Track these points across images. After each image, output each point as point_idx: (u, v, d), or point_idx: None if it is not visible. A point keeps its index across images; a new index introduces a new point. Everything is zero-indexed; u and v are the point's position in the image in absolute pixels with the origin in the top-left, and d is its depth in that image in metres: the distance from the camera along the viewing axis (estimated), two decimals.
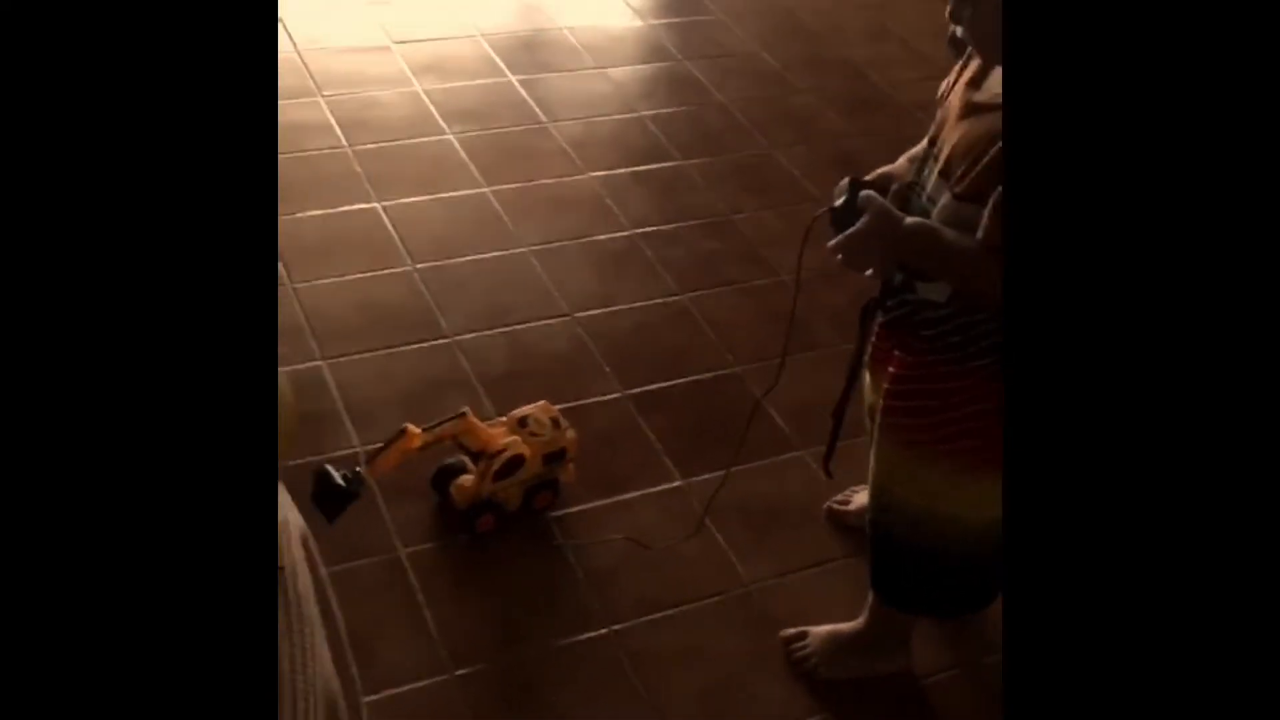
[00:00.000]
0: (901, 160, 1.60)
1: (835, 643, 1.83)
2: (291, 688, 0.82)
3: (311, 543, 1.05)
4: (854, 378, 1.66)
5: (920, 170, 1.50)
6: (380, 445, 1.88)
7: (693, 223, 2.80)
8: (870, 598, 1.79)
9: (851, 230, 1.43)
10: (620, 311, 2.51)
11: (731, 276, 2.63)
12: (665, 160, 3.02)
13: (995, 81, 1.40)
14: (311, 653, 0.83)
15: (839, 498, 2.08)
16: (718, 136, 3.14)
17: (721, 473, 2.01)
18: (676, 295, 2.57)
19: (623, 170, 2.97)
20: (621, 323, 2.48)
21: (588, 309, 2.50)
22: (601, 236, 2.72)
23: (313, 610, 0.85)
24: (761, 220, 2.82)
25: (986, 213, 1.35)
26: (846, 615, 1.85)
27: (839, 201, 1.47)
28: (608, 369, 2.35)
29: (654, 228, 2.76)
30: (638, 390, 2.31)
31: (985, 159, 1.35)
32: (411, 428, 1.87)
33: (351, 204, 2.73)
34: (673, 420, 2.26)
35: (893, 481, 1.65)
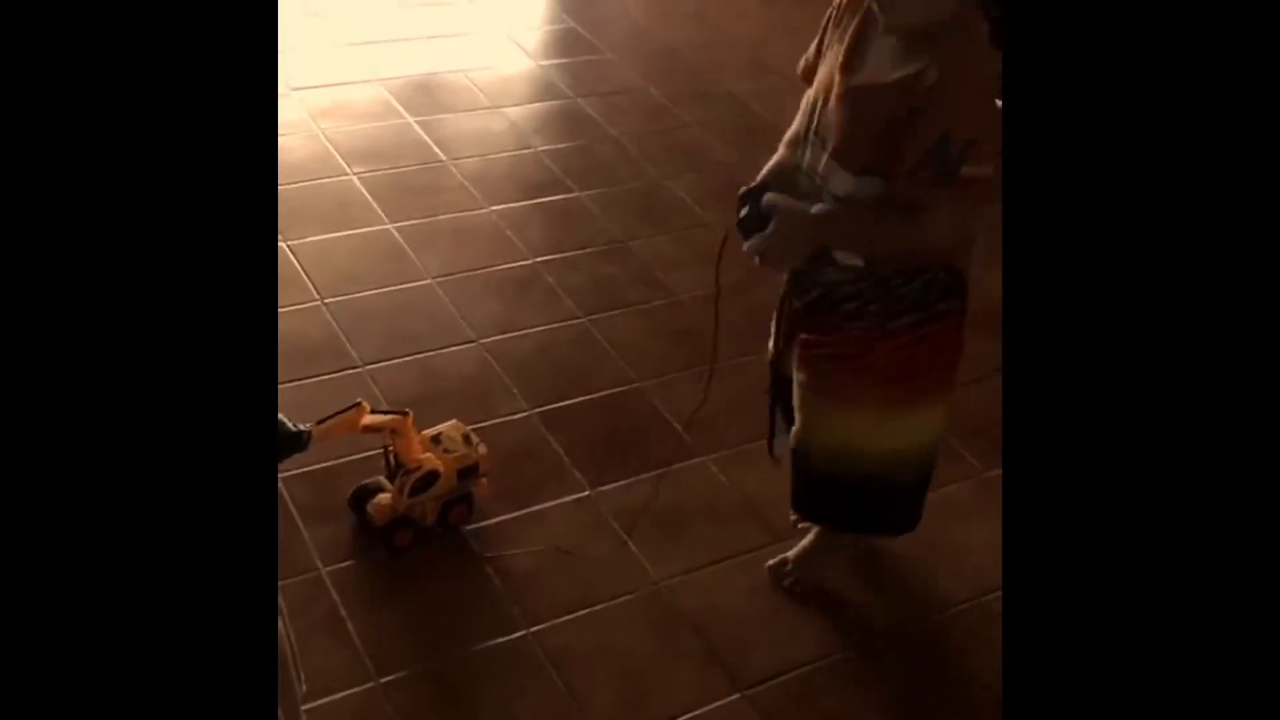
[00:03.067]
0: (781, 151, 1.70)
1: (804, 556, 2.05)
2: None
3: None
4: (777, 369, 1.87)
5: (802, 154, 1.63)
6: (330, 415, 1.93)
7: (590, 250, 2.92)
8: (793, 516, 2.02)
9: (766, 232, 1.58)
10: (524, 335, 2.62)
11: (629, 299, 2.76)
12: (562, 192, 3.14)
13: (872, 65, 1.53)
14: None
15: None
16: (611, 168, 3.28)
17: (627, 481, 2.13)
18: (578, 318, 2.68)
19: (521, 203, 3.08)
20: (526, 345, 2.59)
21: (493, 334, 2.60)
22: (503, 266, 2.83)
23: None
24: (656, 245, 2.95)
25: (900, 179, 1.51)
26: (750, 603, 2.00)
27: (742, 213, 1.61)
28: (515, 389, 2.46)
29: (553, 255, 2.88)
30: (544, 408, 2.42)
31: (882, 138, 1.50)
32: (365, 404, 1.97)
33: None
34: (578, 434, 2.36)
35: (815, 433, 1.84)
